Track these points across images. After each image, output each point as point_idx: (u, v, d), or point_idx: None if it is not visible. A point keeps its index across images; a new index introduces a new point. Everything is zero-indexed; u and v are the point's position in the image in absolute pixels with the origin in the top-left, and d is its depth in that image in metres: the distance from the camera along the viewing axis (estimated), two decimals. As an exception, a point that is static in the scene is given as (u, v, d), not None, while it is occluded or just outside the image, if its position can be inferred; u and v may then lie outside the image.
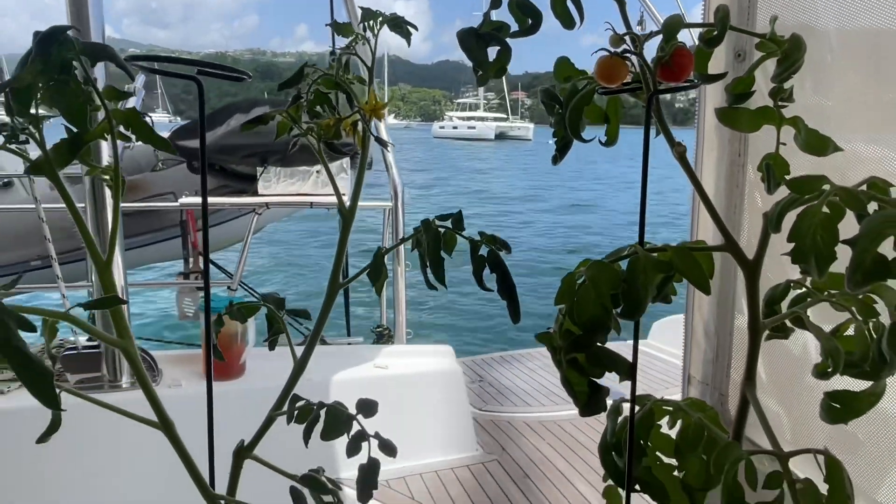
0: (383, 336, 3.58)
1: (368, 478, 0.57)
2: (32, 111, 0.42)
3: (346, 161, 3.69)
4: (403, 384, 2.82)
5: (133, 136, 0.46)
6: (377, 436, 0.58)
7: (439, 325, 8.27)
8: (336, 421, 0.57)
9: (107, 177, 0.49)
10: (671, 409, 0.77)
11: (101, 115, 0.46)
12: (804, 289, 0.66)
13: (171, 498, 2.23)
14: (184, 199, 3.49)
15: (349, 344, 3.46)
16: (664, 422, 0.86)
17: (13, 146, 0.44)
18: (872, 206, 0.50)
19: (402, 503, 2.54)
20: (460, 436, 2.93)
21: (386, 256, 0.60)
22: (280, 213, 4.72)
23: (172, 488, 2.33)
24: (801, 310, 0.62)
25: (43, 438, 0.54)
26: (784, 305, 0.72)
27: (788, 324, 0.69)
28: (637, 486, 0.83)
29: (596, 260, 0.60)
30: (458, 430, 2.93)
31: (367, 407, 0.58)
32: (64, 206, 0.52)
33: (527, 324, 0.67)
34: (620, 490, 0.91)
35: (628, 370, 0.65)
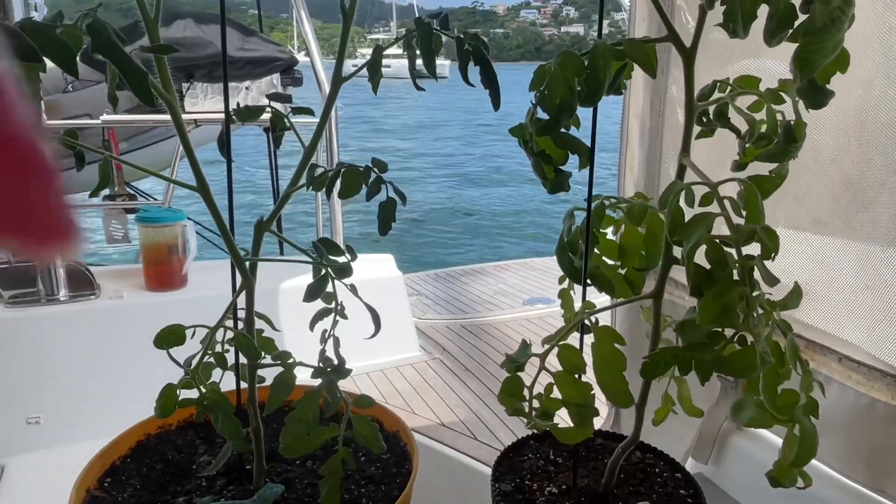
0: (321, 253, 3.63)
1: (387, 213, 0.68)
2: None
3: (276, 77, 3.63)
4: (347, 290, 2.91)
5: None
6: (391, 183, 0.67)
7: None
8: (354, 177, 0.66)
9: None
10: (620, 206, 0.91)
11: None
12: (729, 87, 0.81)
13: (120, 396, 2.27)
14: (105, 117, 3.35)
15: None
16: (610, 230, 1.01)
17: None
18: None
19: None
20: (403, 338, 3.07)
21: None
22: (209, 135, 4.59)
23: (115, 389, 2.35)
24: (728, 97, 0.76)
25: (94, 193, 0.60)
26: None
27: (713, 120, 0.84)
28: (588, 280, 0.97)
29: (564, 50, 0.71)
30: (400, 332, 3.07)
31: (380, 164, 0.68)
32: None
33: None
34: (572, 293, 1.06)
35: (588, 153, 0.77)
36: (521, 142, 0.79)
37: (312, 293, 0.72)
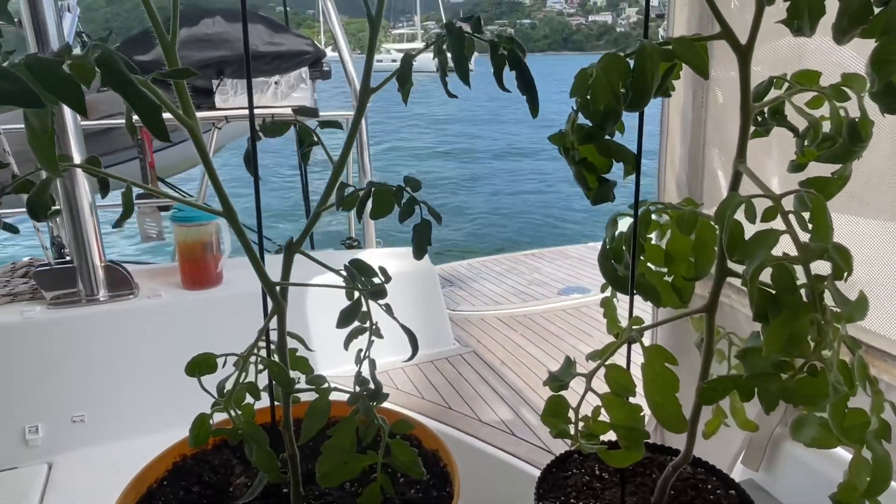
0: (353, 247, 3.64)
1: (423, 237, 0.64)
2: None
3: (304, 70, 3.61)
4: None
5: None
6: (425, 203, 0.64)
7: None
8: (385, 196, 0.63)
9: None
10: (667, 212, 0.86)
11: None
12: (786, 83, 0.75)
13: (160, 398, 2.29)
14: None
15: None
16: (654, 235, 0.95)
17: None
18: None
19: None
20: (437, 331, 3.05)
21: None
22: (239, 130, 4.62)
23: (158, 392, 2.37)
24: (785, 95, 0.70)
25: (118, 223, 0.58)
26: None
27: (769, 119, 0.78)
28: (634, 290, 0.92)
29: (606, 52, 0.66)
30: (435, 325, 3.05)
31: (413, 182, 0.64)
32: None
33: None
34: (616, 301, 1.01)
35: (633, 161, 0.72)
36: (561, 150, 0.74)
37: (346, 318, 0.69)
